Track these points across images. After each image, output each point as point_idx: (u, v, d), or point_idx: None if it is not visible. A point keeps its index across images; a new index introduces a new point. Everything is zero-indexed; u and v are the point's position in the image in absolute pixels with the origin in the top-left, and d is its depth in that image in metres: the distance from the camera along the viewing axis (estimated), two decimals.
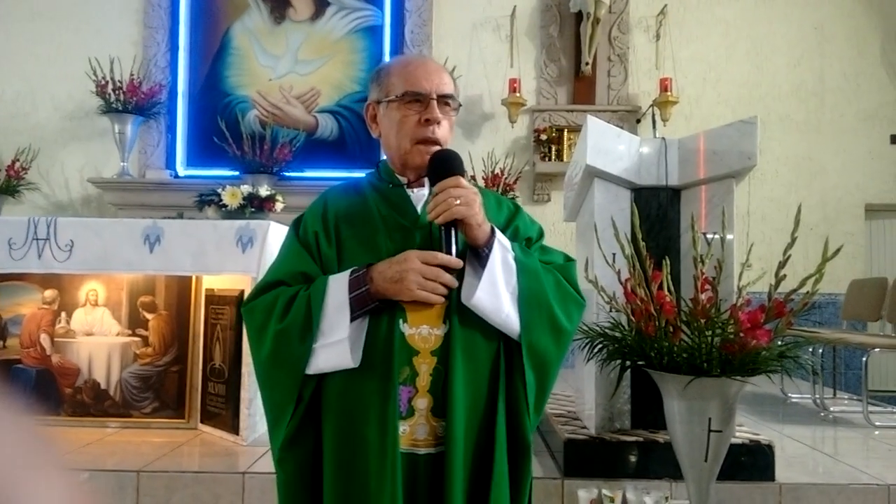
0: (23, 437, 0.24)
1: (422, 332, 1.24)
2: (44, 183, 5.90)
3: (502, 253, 1.26)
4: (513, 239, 1.33)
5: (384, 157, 1.44)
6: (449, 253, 1.22)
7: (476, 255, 1.26)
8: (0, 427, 0.24)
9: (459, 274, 1.24)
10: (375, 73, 1.42)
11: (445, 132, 1.34)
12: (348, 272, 1.24)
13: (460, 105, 1.40)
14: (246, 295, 2.88)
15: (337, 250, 1.31)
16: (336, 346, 1.21)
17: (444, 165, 1.27)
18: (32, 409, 0.26)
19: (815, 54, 6.00)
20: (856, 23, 6.00)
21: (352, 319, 1.20)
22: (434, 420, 1.23)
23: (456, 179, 1.24)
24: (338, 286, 1.22)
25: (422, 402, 1.23)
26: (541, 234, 1.45)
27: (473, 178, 5.22)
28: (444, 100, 1.33)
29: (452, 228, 1.23)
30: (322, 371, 1.24)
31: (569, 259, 1.43)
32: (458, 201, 1.21)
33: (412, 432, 1.23)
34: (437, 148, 1.31)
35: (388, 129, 1.35)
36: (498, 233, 1.28)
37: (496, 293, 1.23)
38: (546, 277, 1.31)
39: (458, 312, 1.24)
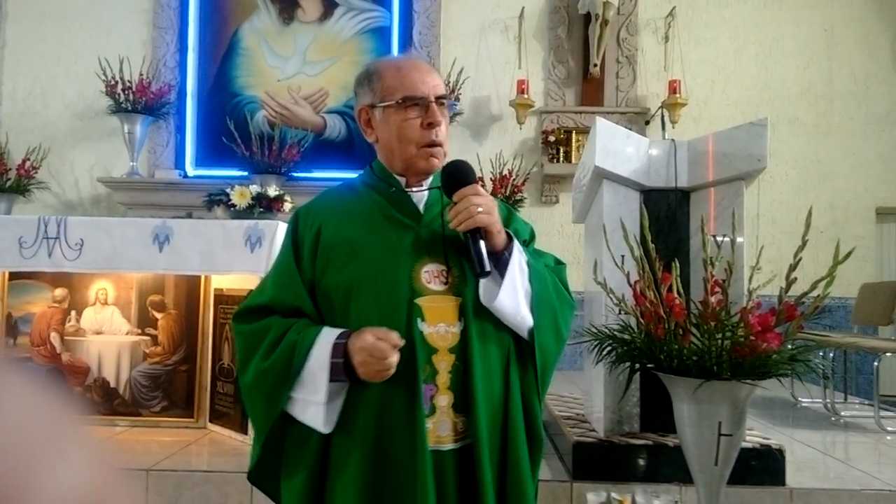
0: (47, 417, 0.24)
1: (439, 329, 1.25)
2: (54, 182, 5.93)
3: (519, 257, 1.31)
4: None
5: (377, 159, 1.43)
6: (479, 259, 1.24)
7: (493, 258, 1.28)
8: (26, 406, 0.24)
9: (473, 276, 1.27)
10: (364, 75, 1.39)
11: (445, 133, 1.35)
12: (336, 335, 1.23)
13: (454, 104, 1.43)
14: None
15: (344, 252, 1.29)
16: (312, 406, 1.23)
17: (460, 174, 1.30)
18: (72, 402, 0.26)
19: (825, 57, 5.97)
20: (866, 25, 5.96)
21: (331, 380, 1.21)
22: (455, 416, 1.25)
23: (475, 188, 1.28)
24: (324, 345, 1.22)
25: (443, 399, 1.25)
26: (533, 236, 1.49)
27: (481, 179, 5.22)
28: (440, 101, 1.34)
29: (478, 236, 1.26)
30: (299, 420, 1.26)
31: (559, 262, 1.49)
32: (479, 209, 1.25)
33: (435, 429, 1.24)
34: (440, 150, 1.34)
35: (388, 135, 1.34)
36: (514, 238, 1.33)
37: (515, 296, 1.28)
38: (549, 280, 1.38)
39: (472, 310, 1.26)
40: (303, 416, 1.25)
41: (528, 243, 1.44)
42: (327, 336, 1.23)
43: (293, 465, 1.28)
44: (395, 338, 1.18)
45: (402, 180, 1.37)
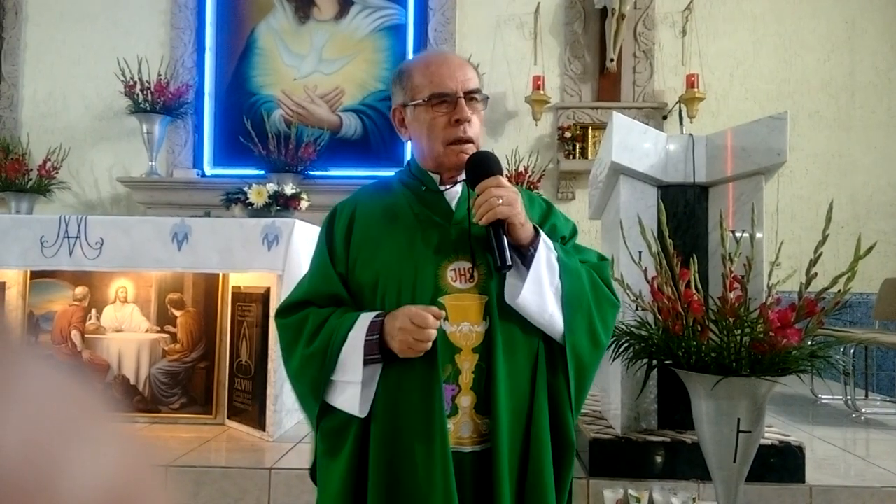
0: (75, 406, 0.24)
1: (463, 329, 1.23)
2: (74, 182, 6.00)
3: (546, 253, 1.26)
4: (550, 237, 1.32)
5: (413, 157, 1.42)
6: (501, 253, 1.21)
7: (520, 254, 1.26)
8: (53, 394, 0.23)
9: (495, 271, 1.25)
10: (397, 74, 1.39)
11: (476, 128, 1.33)
12: (373, 314, 1.24)
13: (487, 97, 1.39)
14: (277, 297, 2.78)
15: (371, 250, 1.30)
16: (348, 388, 1.23)
17: (482, 166, 1.27)
18: (99, 393, 0.26)
19: (846, 49, 5.88)
20: (888, 16, 5.86)
21: (365, 363, 1.21)
22: (478, 418, 1.23)
23: (496, 179, 1.24)
24: (360, 326, 1.23)
25: (465, 400, 1.23)
26: (574, 232, 1.45)
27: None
28: (470, 95, 1.32)
29: (500, 229, 1.23)
30: (336, 406, 1.26)
31: (602, 258, 1.43)
32: (500, 201, 1.21)
33: (457, 430, 1.22)
34: (471, 146, 1.31)
35: (419, 133, 1.33)
36: (542, 232, 1.29)
37: (541, 293, 1.23)
38: (586, 278, 1.31)
39: (498, 309, 1.24)
40: (341, 399, 1.24)
41: (567, 239, 1.41)
42: (365, 317, 1.23)
43: (328, 460, 1.28)
44: (436, 310, 1.19)
45: (437, 177, 1.36)
